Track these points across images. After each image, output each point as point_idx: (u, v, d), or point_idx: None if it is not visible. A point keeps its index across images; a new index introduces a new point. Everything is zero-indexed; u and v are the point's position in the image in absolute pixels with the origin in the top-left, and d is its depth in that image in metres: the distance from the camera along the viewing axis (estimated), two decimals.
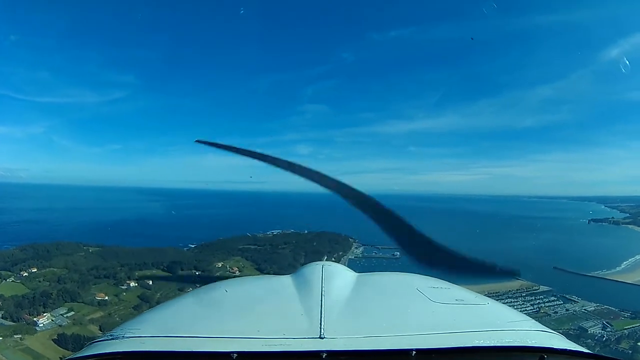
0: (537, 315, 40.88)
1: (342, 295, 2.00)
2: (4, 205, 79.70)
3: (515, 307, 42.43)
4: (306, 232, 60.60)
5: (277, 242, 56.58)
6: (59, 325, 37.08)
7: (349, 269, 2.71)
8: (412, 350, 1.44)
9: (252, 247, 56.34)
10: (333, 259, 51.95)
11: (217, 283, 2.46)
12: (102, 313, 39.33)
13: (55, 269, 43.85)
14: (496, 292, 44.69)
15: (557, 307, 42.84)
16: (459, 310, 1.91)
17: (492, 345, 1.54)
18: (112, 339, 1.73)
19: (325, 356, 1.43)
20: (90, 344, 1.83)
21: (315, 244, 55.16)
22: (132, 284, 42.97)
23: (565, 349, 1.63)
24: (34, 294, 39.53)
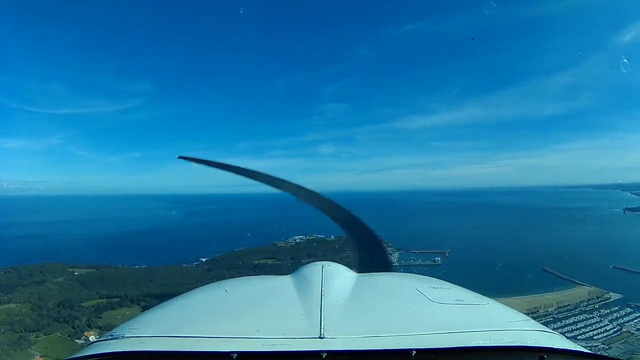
0: (621, 337, 35.21)
1: (342, 295, 1.98)
2: (12, 220, 75.13)
3: (593, 327, 36.91)
4: (333, 237, 53.35)
5: (299, 255, 49.06)
6: None
7: (348, 269, 2.61)
8: (412, 350, 1.44)
9: (270, 262, 48.93)
10: None
11: (217, 283, 2.41)
12: None
13: (13, 305, 35.44)
14: (566, 305, 39.28)
15: (638, 322, 37.61)
16: (458, 310, 1.90)
17: (491, 345, 1.54)
18: (112, 339, 1.71)
19: (325, 356, 1.43)
20: (91, 344, 1.82)
21: (344, 253, 47.88)
22: (92, 337, 31.18)
23: (565, 349, 1.62)
24: None
